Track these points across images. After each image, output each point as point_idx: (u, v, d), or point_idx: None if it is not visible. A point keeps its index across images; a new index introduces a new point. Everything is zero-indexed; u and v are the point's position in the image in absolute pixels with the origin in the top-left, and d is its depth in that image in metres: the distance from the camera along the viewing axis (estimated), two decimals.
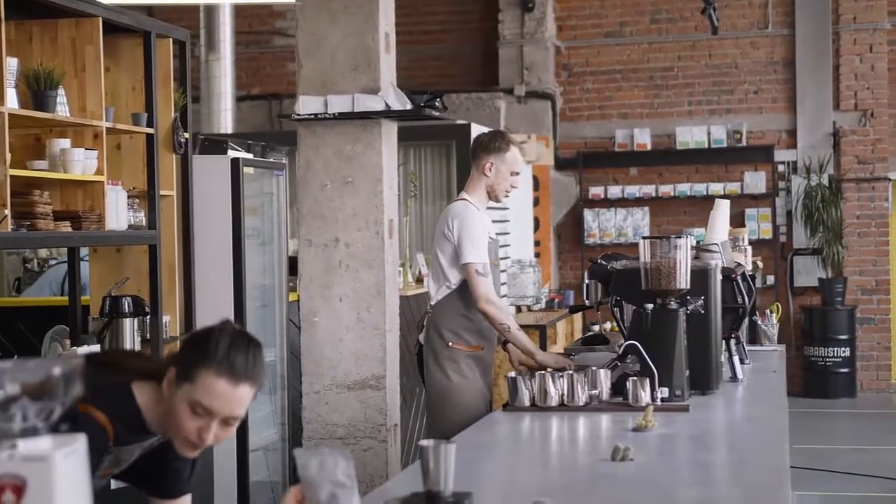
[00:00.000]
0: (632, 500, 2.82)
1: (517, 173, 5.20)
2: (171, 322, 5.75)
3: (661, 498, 2.84)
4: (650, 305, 4.27)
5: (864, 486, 8.03)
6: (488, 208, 5.29)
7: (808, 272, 12.15)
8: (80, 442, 1.76)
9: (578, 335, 10.05)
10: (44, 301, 6.71)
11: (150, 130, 5.50)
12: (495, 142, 5.19)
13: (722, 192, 11.97)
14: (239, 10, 12.16)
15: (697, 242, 5.38)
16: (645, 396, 4.05)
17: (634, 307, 4.39)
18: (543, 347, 9.02)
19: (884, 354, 12.20)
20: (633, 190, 12.43)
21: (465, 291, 5.06)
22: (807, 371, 11.93)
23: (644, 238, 4.34)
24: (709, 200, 12.14)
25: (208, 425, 2.41)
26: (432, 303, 5.20)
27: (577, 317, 10.83)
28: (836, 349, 11.80)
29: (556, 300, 10.77)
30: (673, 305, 4.27)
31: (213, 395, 2.39)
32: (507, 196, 5.25)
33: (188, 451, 2.49)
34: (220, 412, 2.41)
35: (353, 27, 5.65)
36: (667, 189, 12.36)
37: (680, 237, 4.31)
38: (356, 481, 2.36)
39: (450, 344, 5.07)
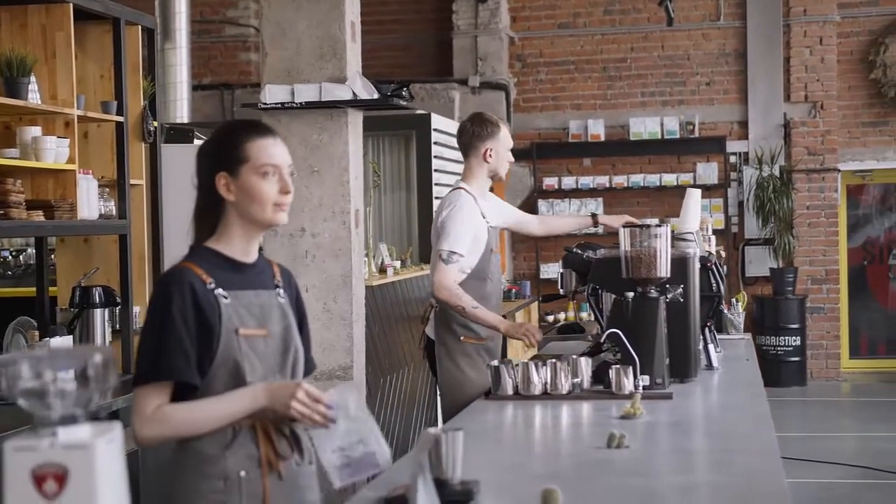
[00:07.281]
0: (636, 486, 2.83)
1: (511, 147, 5.29)
2: (141, 313, 5.68)
3: (665, 484, 2.86)
4: (631, 294, 4.28)
5: (815, 472, 8.13)
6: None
7: (759, 262, 12.28)
8: (117, 430, 1.74)
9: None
10: (9, 292, 6.60)
11: (120, 119, 5.43)
12: (487, 127, 5.18)
13: (675, 183, 12.07)
14: None
15: None
16: (628, 384, 4.07)
17: (615, 296, 4.40)
18: (503, 339, 9.00)
19: (833, 343, 12.36)
20: (587, 181, 12.47)
21: (471, 282, 4.98)
22: (758, 360, 12.01)
23: (624, 226, 4.34)
24: (661, 191, 12.27)
25: (282, 178, 2.78)
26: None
27: (534, 307, 10.87)
28: (786, 338, 11.93)
29: (514, 290, 10.80)
30: (653, 294, 4.28)
31: (268, 151, 2.78)
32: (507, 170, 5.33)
33: (280, 215, 2.79)
34: (281, 161, 2.79)
35: (318, 15, 5.62)
36: (620, 180, 12.42)
37: (660, 226, 4.32)
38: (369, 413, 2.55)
39: (461, 339, 5.01)
